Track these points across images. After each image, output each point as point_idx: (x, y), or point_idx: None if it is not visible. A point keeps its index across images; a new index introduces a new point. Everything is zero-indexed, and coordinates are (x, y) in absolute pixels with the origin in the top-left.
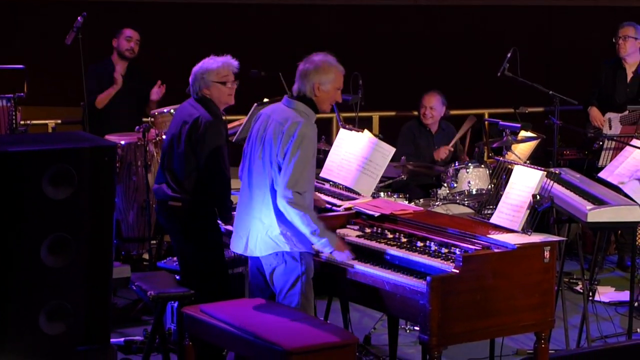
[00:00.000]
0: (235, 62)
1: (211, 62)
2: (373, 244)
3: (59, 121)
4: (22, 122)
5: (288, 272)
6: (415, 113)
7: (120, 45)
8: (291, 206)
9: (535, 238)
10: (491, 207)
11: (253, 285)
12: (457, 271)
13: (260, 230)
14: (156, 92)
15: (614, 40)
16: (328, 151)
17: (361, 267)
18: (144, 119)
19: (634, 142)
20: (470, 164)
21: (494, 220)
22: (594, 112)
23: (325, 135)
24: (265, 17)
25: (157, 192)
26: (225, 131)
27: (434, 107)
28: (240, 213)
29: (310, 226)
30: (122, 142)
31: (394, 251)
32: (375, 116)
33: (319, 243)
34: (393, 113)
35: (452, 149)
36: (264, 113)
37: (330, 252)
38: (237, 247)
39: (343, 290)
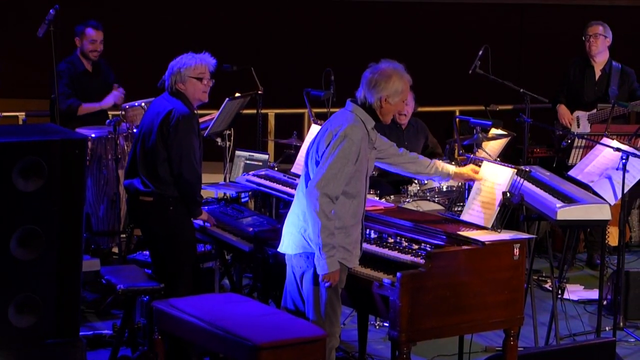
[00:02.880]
0: (213, 60)
1: (189, 58)
2: None
3: (24, 113)
4: None
5: (315, 278)
6: None
7: (84, 47)
8: (311, 207)
9: (505, 235)
10: (461, 204)
11: (286, 294)
12: (427, 267)
13: (296, 226)
14: (116, 96)
15: (583, 39)
16: (300, 147)
17: None
18: (114, 113)
19: (604, 140)
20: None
21: (464, 217)
22: (562, 109)
23: (297, 130)
24: (238, 10)
25: (128, 187)
26: (197, 126)
27: (408, 104)
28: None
29: (318, 237)
30: (93, 135)
31: (364, 247)
32: None
33: (317, 258)
34: None
35: None
36: (330, 118)
37: (320, 274)
38: (280, 244)
39: None
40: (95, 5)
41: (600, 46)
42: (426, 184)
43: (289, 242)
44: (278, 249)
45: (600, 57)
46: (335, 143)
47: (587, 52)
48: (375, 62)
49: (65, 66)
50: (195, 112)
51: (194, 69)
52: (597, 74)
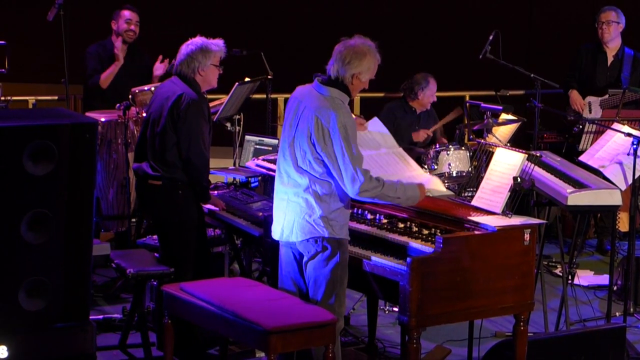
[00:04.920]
0: (224, 47)
1: (212, 45)
2: (353, 224)
3: (38, 98)
4: (2, 98)
5: (326, 260)
6: (401, 94)
7: (120, 28)
8: (366, 196)
9: (516, 220)
10: (471, 189)
11: (284, 274)
12: (438, 252)
13: (298, 213)
14: (160, 67)
15: (596, 26)
16: None
17: None
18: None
19: (615, 125)
20: (450, 146)
21: (474, 202)
22: (574, 95)
23: None
24: None
25: (137, 170)
26: (207, 110)
27: (433, 95)
28: (276, 198)
29: (391, 199)
30: (103, 120)
31: (374, 232)
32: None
33: (407, 201)
34: (381, 94)
35: (431, 134)
36: (294, 98)
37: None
38: (274, 232)
39: None
40: None
41: (612, 33)
42: (435, 169)
43: (294, 230)
44: (279, 238)
45: (612, 43)
46: (342, 137)
47: (600, 39)
48: (348, 37)
49: (94, 48)
50: (205, 96)
51: (213, 56)
52: (610, 59)
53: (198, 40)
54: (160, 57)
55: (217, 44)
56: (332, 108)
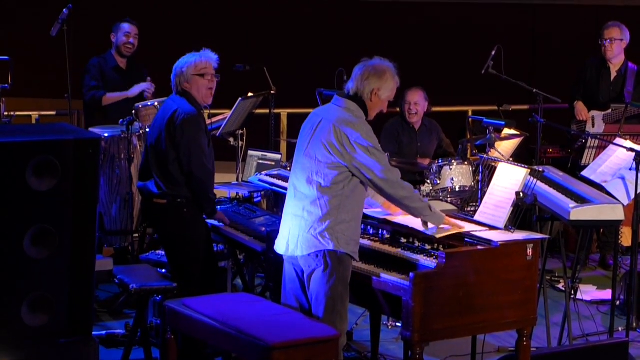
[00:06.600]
0: (214, 56)
1: (190, 56)
2: None
3: (41, 113)
4: (5, 113)
5: (326, 276)
6: (398, 110)
7: (118, 40)
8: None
9: (518, 235)
10: (474, 204)
11: (287, 291)
12: (440, 268)
13: (303, 227)
14: (143, 87)
15: (600, 42)
16: None
17: None
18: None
19: (617, 140)
20: (453, 161)
21: (477, 217)
22: (580, 106)
23: None
24: (251, 10)
25: (142, 189)
26: (204, 124)
27: (418, 103)
28: (284, 213)
29: (417, 206)
30: (106, 135)
31: (377, 247)
32: None
33: (429, 217)
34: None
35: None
36: (312, 114)
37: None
38: (279, 247)
39: None
40: (108, 5)
41: (615, 50)
42: (438, 184)
43: (298, 244)
44: (283, 253)
45: (616, 59)
46: (363, 139)
47: (603, 55)
48: (369, 57)
49: (96, 61)
50: (203, 110)
51: (195, 67)
52: (613, 74)
53: (186, 55)
54: (149, 79)
55: (196, 54)
56: (348, 116)
